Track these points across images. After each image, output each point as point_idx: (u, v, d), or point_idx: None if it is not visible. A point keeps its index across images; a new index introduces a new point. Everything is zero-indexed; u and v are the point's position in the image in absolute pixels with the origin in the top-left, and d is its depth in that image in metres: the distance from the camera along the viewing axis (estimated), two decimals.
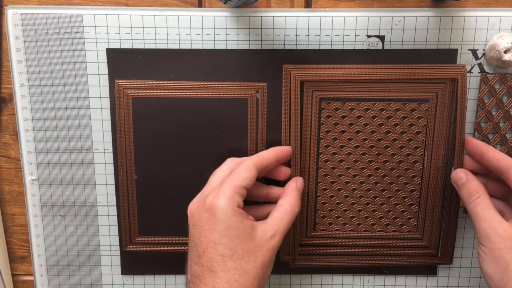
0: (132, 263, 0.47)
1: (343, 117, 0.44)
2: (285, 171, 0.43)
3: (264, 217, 0.39)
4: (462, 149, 0.43)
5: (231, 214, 0.36)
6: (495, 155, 0.40)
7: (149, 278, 0.48)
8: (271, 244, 0.37)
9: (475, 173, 0.42)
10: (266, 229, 0.37)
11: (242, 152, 0.44)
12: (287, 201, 0.40)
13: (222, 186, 0.37)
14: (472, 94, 0.44)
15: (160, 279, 0.48)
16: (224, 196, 0.37)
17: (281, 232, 0.38)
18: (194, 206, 0.38)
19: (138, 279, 0.48)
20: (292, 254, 0.45)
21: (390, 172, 0.45)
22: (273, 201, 0.41)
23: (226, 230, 0.36)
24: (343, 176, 0.45)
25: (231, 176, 0.38)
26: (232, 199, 0.36)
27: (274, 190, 0.42)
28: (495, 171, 0.40)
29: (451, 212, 0.45)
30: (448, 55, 0.43)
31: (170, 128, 0.44)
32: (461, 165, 0.43)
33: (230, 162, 0.41)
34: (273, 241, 0.37)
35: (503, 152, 0.45)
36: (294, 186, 0.41)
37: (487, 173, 0.43)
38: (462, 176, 0.42)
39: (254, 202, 0.43)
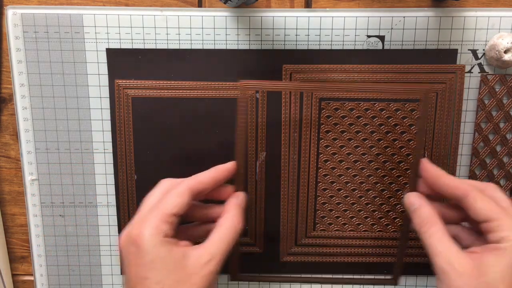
0: None
1: (343, 117, 0.44)
2: (226, 190, 0.40)
3: (207, 235, 0.37)
4: (416, 170, 0.39)
5: (157, 244, 0.33)
6: (449, 182, 0.37)
7: None
8: (208, 269, 0.34)
9: (430, 197, 0.39)
10: (202, 254, 0.35)
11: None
12: (228, 219, 0.37)
13: (149, 215, 0.35)
14: (472, 94, 0.44)
15: None
16: (149, 226, 0.34)
17: (220, 254, 0.35)
18: (122, 239, 0.35)
19: None
20: (231, 267, 0.43)
21: (390, 172, 0.45)
22: (214, 221, 0.38)
23: (152, 263, 0.33)
24: (343, 176, 0.45)
25: (161, 202, 0.35)
26: (158, 229, 0.34)
27: (215, 210, 0.39)
28: (451, 199, 0.38)
29: None
30: (448, 55, 0.43)
31: (170, 128, 0.44)
32: (414, 189, 0.40)
33: (164, 185, 0.38)
34: (209, 266, 0.34)
35: (503, 152, 0.45)
36: (235, 202, 0.38)
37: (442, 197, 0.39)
38: (413, 202, 0.38)
39: None
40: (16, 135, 0.45)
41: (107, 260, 0.47)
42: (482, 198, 0.35)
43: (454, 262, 0.34)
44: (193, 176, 0.38)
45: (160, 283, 0.33)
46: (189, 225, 0.40)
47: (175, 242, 0.35)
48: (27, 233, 0.47)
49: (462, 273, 0.33)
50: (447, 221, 0.38)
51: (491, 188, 0.37)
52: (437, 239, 0.35)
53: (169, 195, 0.36)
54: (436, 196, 0.39)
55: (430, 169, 0.39)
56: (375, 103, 0.43)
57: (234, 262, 0.43)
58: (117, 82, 0.43)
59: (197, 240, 0.37)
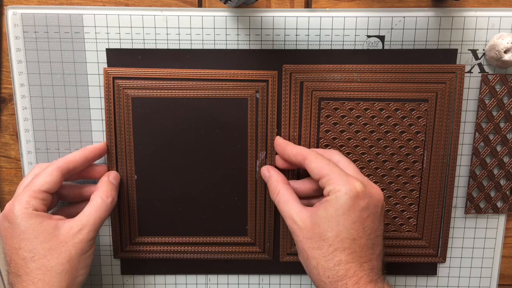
0: (131, 263, 0.47)
1: (343, 116, 0.44)
2: (99, 169, 0.44)
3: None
4: (273, 148, 0.44)
5: (27, 217, 0.37)
6: (292, 150, 0.41)
7: (149, 278, 0.48)
8: (79, 238, 0.38)
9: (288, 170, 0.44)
10: (72, 224, 0.38)
11: (242, 152, 0.44)
12: (97, 194, 0.40)
13: (20, 194, 0.38)
14: (472, 94, 0.44)
15: (160, 279, 0.48)
16: (19, 202, 0.37)
17: (90, 225, 0.38)
18: None
19: (138, 279, 0.48)
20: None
21: (390, 171, 0.45)
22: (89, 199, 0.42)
23: (23, 234, 0.37)
24: None
25: (31, 181, 0.39)
26: (28, 204, 0.37)
27: (86, 188, 0.43)
28: (297, 166, 0.41)
29: (449, 211, 0.45)
30: (448, 55, 0.43)
31: (170, 128, 0.44)
32: (273, 163, 0.44)
33: (36, 169, 0.41)
34: (80, 235, 0.38)
35: (504, 152, 0.45)
36: (105, 180, 0.42)
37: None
38: (265, 174, 0.43)
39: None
40: (16, 135, 0.45)
41: (107, 260, 0.47)
42: (317, 158, 0.39)
43: (296, 219, 0.38)
44: (63, 157, 0.41)
45: (32, 251, 0.37)
46: (68, 206, 0.44)
47: (46, 216, 0.38)
48: None
49: (303, 227, 0.37)
50: (307, 195, 0.42)
51: (331, 151, 0.42)
52: (283, 202, 0.39)
53: (39, 174, 0.39)
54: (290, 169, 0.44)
55: (280, 142, 0.43)
56: (374, 103, 0.43)
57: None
58: (117, 82, 0.43)
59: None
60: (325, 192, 0.37)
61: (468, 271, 0.48)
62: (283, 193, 0.40)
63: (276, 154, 0.44)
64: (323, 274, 0.36)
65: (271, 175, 0.42)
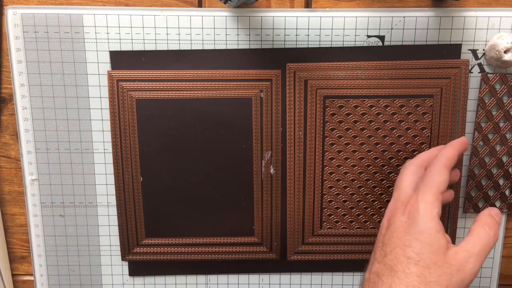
0: (138, 265, 0.47)
1: (348, 114, 0.44)
2: (455, 174, 0.42)
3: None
4: (277, 147, 0.43)
5: (429, 219, 0.35)
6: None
7: (149, 279, 0.48)
8: (463, 266, 0.34)
9: None
10: (457, 250, 0.35)
11: (247, 153, 0.44)
12: (480, 225, 0.37)
13: (420, 191, 0.36)
14: (472, 94, 0.44)
15: (160, 279, 0.48)
16: (423, 201, 0.35)
17: (476, 255, 0.35)
18: (390, 210, 0.38)
19: (138, 279, 0.48)
20: None
21: (396, 169, 0.45)
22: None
23: (419, 234, 0.35)
24: (349, 174, 0.45)
25: (426, 181, 0.37)
26: (432, 205, 0.35)
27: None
28: None
29: (456, 209, 0.45)
30: (452, 51, 0.43)
31: (175, 130, 0.44)
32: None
33: (412, 168, 0.39)
34: (468, 264, 0.34)
35: (503, 152, 0.45)
36: (487, 213, 0.38)
37: None
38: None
39: None
40: (16, 135, 0.45)
41: (107, 260, 0.47)
42: None
43: None
44: (441, 154, 0.38)
45: (419, 255, 0.34)
46: None
47: (443, 229, 0.36)
48: (27, 233, 0.47)
49: None
50: None
51: None
52: None
53: (431, 174, 0.37)
54: None
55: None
56: (379, 100, 0.43)
57: None
58: (121, 85, 0.43)
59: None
60: None
61: None
62: None
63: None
64: None
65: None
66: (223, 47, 0.43)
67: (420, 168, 0.39)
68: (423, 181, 0.37)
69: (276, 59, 0.43)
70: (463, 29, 0.43)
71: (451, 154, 0.38)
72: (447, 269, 0.34)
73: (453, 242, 0.46)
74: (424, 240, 0.35)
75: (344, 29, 0.42)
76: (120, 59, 0.43)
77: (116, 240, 0.47)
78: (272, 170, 0.45)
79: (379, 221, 0.46)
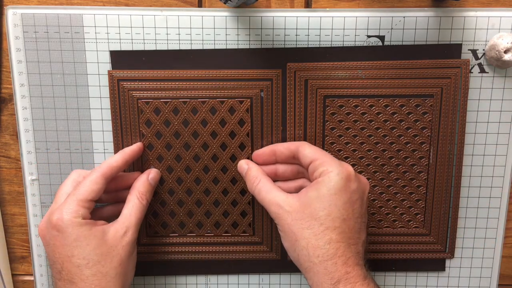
0: (139, 265, 0.47)
1: (348, 114, 0.44)
2: (133, 176, 0.44)
3: (117, 214, 0.41)
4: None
5: (77, 225, 0.37)
6: (282, 145, 0.42)
7: (149, 279, 0.48)
8: (125, 241, 0.39)
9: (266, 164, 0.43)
10: (117, 228, 0.39)
11: (247, 151, 0.44)
12: (133, 195, 0.41)
13: (66, 202, 0.38)
14: (472, 94, 0.44)
15: (160, 279, 0.48)
16: (67, 211, 0.38)
17: (133, 226, 0.40)
18: (43, 227, 0.39)
19: (138, 279, 0.48)
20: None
21: (396, 168, 0.45)
22: (123, 201, 0.42)
23: (75, 242, 0.37)
24: None
25: (76, 190, 0.39)
26: (77, 213, 0.38)
27: (121, 191, 0.43)
28: (290, 158, 0.42)
29: (457, 205, 0.45)
30: (452, 51, 0.43)
31: (175, 129, 0.44)
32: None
33: (74, 175, 0.42)
34: (126, 237, 0.39)
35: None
36: (144, 179, 0.42)
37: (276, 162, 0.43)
38: (243, 166, 0.43)
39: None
40: (16, 135, 0.45)
41: None
42: (310, 145, 0.41)
43: (283, 204, 0.38)
44: (104, 163, 0.41)
45: (86, 258, 0.37)
46: (101, 207, 0.44)
47: (93, 222, 0.39)
48: (27, 233, 0.47)
49: (291, 211, 0.38)
50: (287, 178, 0.43)
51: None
52: (265, 191, 0.40)
53: (84, 182, 0.39)
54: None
55: (264, 152, 0.43)
56: (379, 99, 0.43)
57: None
58: (121, 84, 0.43)
59: (109, 219, 0.41)
60: (316, 174, 0.39)
61: (468, 271, 0.48)
62: (264, 183, 0.41)
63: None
64: (313, 254, 0.37)
65: (250, 167, 0.43)
66: (223, 47, 0.43)
67: (83, 177, 0.41)
68: (74, 190, 0.39)
69: (276, 59, 0.43)
70: (463, 29, 0.42)
71: (114, 162, 0.41)
72: (114, 251, 0.38)
73: (454, 239, 0.46)
74: (82, 244, 0.37)
75: (344, 29, 0.42)
76: (120, 59, 0.43)
77: None
78: None
79: (380, 220, 0.46)
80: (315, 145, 0.44)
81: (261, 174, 0.42)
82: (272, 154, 0.43)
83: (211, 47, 0.43)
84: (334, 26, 0.42)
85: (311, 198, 0.38)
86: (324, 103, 0.43)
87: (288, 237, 0.38)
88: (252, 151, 0.44)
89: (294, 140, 0.44)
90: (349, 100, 0.43)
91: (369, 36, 0.43)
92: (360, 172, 0.45)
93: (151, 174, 0.43)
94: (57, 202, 0.40)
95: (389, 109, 0.44)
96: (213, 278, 0.48)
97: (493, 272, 0.48)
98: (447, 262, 0.47)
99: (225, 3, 0.39)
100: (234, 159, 0.44)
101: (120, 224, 0.39)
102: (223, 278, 0.48)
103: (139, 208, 0.41)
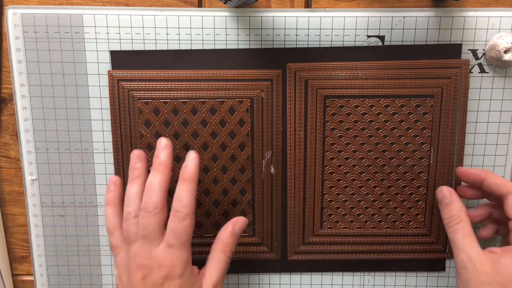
0: None
1: (348, 114, 0.44)
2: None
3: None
4: (278, 147, 0.44)
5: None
6: (496, 181, 0.40)
7: None
8: None
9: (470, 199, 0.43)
10: (208, 283, 0.39)
11: (248, 152, 0.44)
12: (220, 248, 0.40)
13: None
14: (472, 94, 0.44)
15: None
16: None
17: (219, 282, 0.39)
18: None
19: None
20: None
21: (396, 168, 0.45)
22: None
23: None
24: (349, 174, 0.45)
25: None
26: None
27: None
28: (494, 196, 0.40)
29: None
30: (452, 51, 0.43)
31: (176, 129, 0.44)
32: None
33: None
34: None
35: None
36: (229, 230, 0.41)
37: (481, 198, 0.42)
38: (446, 195, 0.41)
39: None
40: (16, 135, 0.45)
41: (107, 260, 0.47)
42: None
43: (474, 260, 0.37)
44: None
45: None
46: None
47: (196, 270, 0.40)
48: (27, 233, 0.47)
49: (481, 271, 0.36)
50: (474, 220, 0.42)
51: None
52: (462, 235, 0.39)
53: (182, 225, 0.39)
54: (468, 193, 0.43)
55: (472, 172, 0.41)
56: (380, 100, 0.43)
57: None
58: (121, 84, 0.43)
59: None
60: None
61: None
62: (464, 225, 0.39)
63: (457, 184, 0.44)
64: None
65: (454, 200, 0.41)
66: (223, 47, 0.43)
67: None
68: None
69: (276, 59, 0.43)
70: (463, 29, 0.43)
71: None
72: None
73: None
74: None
75: (344, 29, 0.42)
76: (120, 59, 0.43)
77: None
78: (272, 170, 0.45)
79: (380, 221, 0.46)
80: (315, 145, 0.44)
81: (464, 214, 0.40)
82: (478, 183, 0.41)
83: (211, 47, 0.43)
84: (334, 26, 0.42)
85: (505, 267, 0.36)
86: (324, 103, 0.44)
87: None
88: (252, 151, 0.44)
89: (294, 141, 0.44)
90: (349, 100, 0.43)
91: (369, 36, 0.43)
92: (360, 173, 0.45)
93: (238, 223, 0.41)
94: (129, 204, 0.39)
95: (389, 109, 0.44)
96: None
97: None
98: (447, 262, 0.47)
99: (225, 3, 0.39)
100: (234, 159, 0.44)
101: (207, 279, 0.39)
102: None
103: (226, 262, 0.40)
